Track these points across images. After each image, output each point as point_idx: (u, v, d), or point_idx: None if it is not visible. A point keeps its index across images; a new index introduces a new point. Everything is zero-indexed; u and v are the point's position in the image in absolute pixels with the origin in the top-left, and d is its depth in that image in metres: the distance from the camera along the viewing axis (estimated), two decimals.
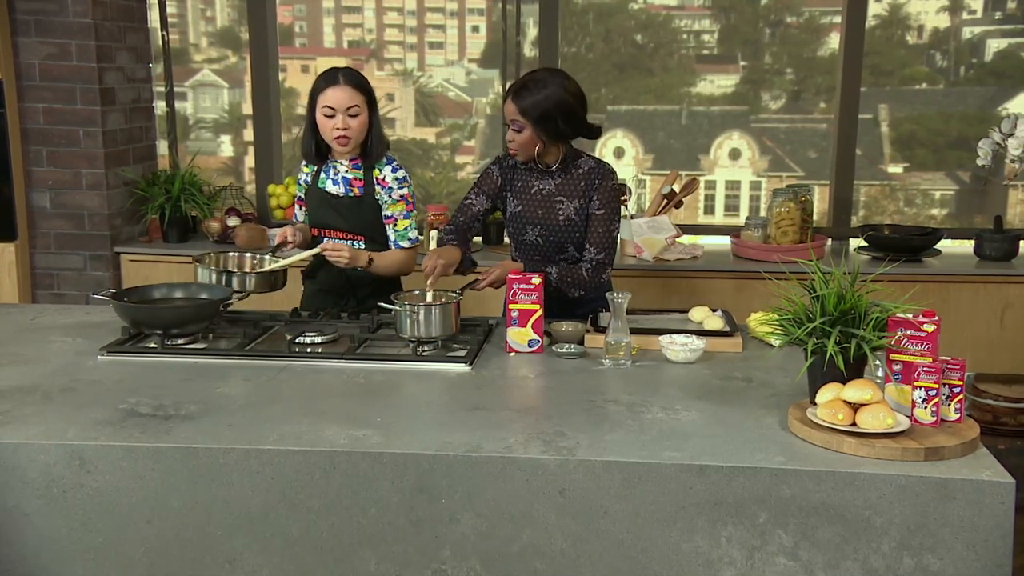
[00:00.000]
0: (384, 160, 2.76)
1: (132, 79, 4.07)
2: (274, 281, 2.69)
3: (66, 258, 4.00)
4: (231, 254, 2.79)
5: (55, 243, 3.99)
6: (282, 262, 2.70)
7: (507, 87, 2.62)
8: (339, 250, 2.64)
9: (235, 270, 2.68)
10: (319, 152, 2.77)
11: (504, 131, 2.73)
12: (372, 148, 2.72)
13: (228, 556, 1.82)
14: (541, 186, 2.68)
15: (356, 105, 2.65)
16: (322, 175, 2.80)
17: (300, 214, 2.91)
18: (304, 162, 2.86)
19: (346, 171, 2.76)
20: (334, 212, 2.76)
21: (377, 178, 2.75)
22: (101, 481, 1.81)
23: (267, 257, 2.75)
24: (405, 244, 2.77)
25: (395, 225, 2.77)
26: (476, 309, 2.99)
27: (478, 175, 2.82)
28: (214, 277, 2.60)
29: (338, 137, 2.66)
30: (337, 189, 2.77)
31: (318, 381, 2.19)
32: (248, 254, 2.80)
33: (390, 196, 2.75)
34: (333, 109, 2.64)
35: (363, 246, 2.75)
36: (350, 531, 1.79)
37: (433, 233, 3.86)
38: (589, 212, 2.65)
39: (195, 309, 2.47)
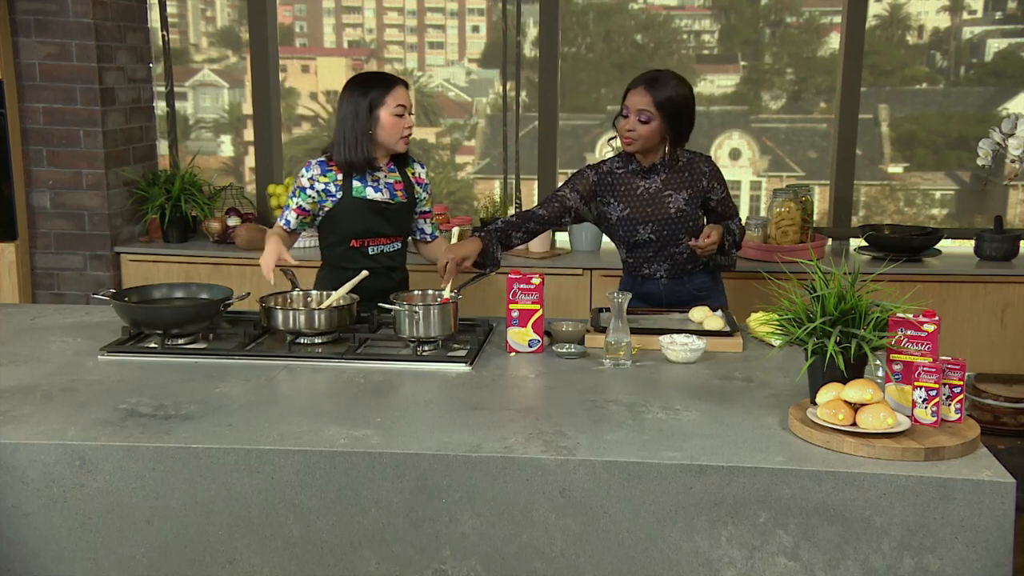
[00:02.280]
0: (410, 159, 2.86)
1: (132, 79, 4.07)
2: (348, 314, 2.50)
3: (66, 258, 4.00)
4: (293, 293, 2.58)
5: (55, 243, 3.99)
6: (339, 293, 2.54)
7: (637, 79, 2.68)
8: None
9: (301, 308, 2.50)
10: (365, 162, 2.70)
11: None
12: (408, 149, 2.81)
13: (228, 556, 1.81)
14: (647, 185, 2.74)
15: (411, 104, 2.75)
16: (356, 184, 2.72)
17: (295, 222, 2.75)
18: (312, 172, 2.72)
19: (385, 177, 2.78)
20: (383, 219, 2.76)
21: (413, 176, 2.85)
22: (101, 481, 1.81)
23: (317, 293, 2.61)
24: (437, 234, 2.97)
25: (432, 218, 2.94)
26: (478, 310, 2.99)
27: (571, 175, 2.83)
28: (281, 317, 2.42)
29: (405, 136, 2.73)
30: (382, 196, 2.76)
31: (318, 381, 2.19)
32: (303, 293, 2.60)
33: (426, 192, 2.88)
34: (404, 107, 2.70)
35: (400, 247, 2.85)
36: (350, 531, 1.79)
37: (445, 236, 3.82)
38: (711, 199, 2.76)
39: (195, 309, 2.47)
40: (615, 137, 2.76)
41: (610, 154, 2.86)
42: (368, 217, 2.73)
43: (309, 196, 2.73)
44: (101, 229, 3.96)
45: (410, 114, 2.73)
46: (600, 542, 1.74)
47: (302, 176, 2.74)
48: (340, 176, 2.73)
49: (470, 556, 1.77)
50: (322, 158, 2.76)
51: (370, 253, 2.77)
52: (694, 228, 2.73)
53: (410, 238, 2.94)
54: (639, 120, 2.64)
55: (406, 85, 2.75)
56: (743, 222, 3.94)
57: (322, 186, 2.72)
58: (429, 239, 2.94)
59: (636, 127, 2.65)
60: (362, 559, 1.80)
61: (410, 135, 2.74)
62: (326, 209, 2.74)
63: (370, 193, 2.74)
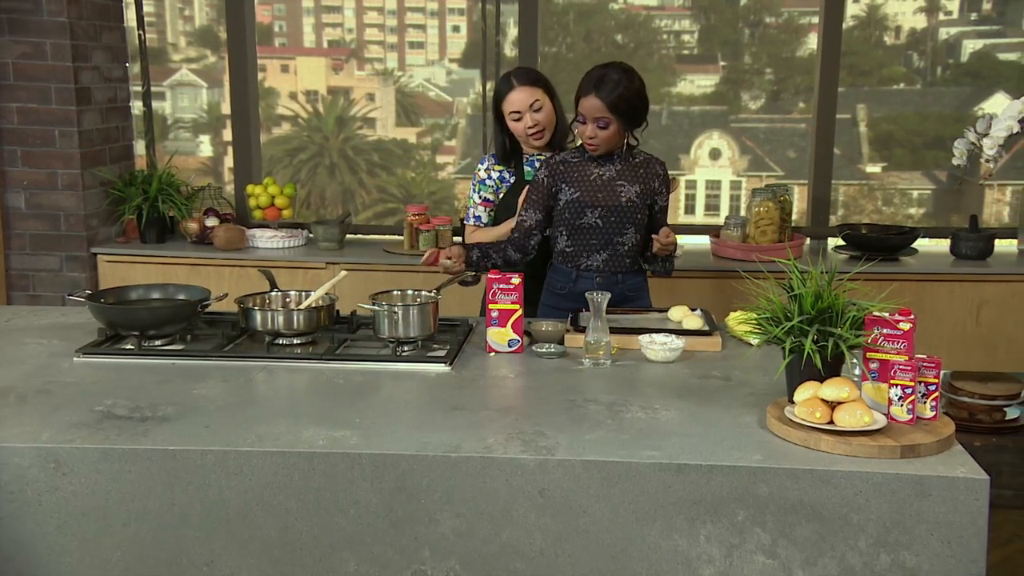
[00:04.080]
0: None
1: (108, 78, 4.04)
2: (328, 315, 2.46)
3: (41, 259, 3.96)
4: (271, 294, 2.55)
5: (30, 244, 3.95)
6: (318, 293, 2.51)
7: (584, 84, 2.64)
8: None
9: (280, 308, 2.50)
10: (514, 151, 2.91)
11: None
12: (557, 134, 2.88)
13: (206, 558, 1.80)
14: (601, 172, 2.74)
15: (536, 100, 2.82)
16: (527, 168, 2.91)
17: (485, 215, 2.96)
18: (486, 164, 2.96)
19: None
20: None
21: None
22: (76, 484, 1.79)
23: (296, 294, 2.59)
24: None
25: None
26: (456, 310, 2.98)
27: (527, 189, 2.81)
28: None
29: (532, 134, 2.83)
30: None
31: (297, 382, 2.18)
32: (282, 293, 2.58)
33: None
34: (519, 112, 2.82)
35: None
36: (329, 532, 1.78)
37: (424, 236, 3.83)
38: (656, 203, 2.78)
39: (172, 310, 2.45)
40: (573, 140, 2.80)
41: None
42: None
43: (489, 186, 2.95)
44: (77, 230, 3.93)
45: (535, 111, 2.82)
46: (579, 541, 1.74)
47: (478, 170, 2.98)
48: (512, 163, 2.93)
49: (450, 556, 1.77)
50: (493, 151, 2.97)
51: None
52: (639, 223, 2.74)
53: None
54: (598, 126, 2.63)
55: (535, 83, 2.83)
56: (723, 222, 3.97)
57: (497, 174, 2.94)
58: None
59: (596, 133, 2.64)
60: (341, 560, 1.79)
61: (537, 131, 2.83)
62: (502, 195, 2.93)
63: None
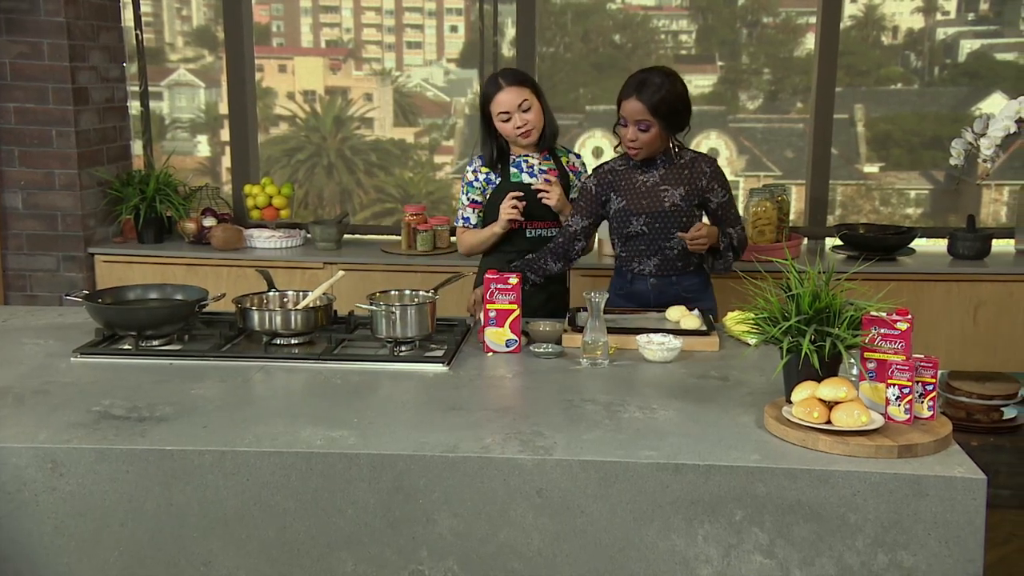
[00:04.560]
0: (564, 148, 3.00)
1: (106, 78, 4.03)
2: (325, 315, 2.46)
3: (39, 259, 3.96)
4: (269, 294, 2.56)
5: (27, 244, 3.95)
6: (316, 293, 2.50)
7: (626, 88, 2.68)
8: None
9: (277, 308, 2.50)
10: (500, 154, 2.92)
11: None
12: (546, 134, 2.89)
13: (203, 559, 1.80)
14: (644, 179, 2.77)
15: (525, 99, 2.82)
16: (513, 170, 2.93)
17: (474, 217, 2.98)
18: (474, 166, 2.95)
19: (539, 163, 2.92)
20: (538, 202, 2.85)
21: (568, 164, 2.98)
22: (74, 484, 1.79)
23: (293, 294, 2.59)
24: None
25: None
26: (454, 310, 2.98)
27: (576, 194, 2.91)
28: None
29: (521, 133, 2.84)
30: (537, 180, 2.89)
31: (294, 382, 2.18)
32: (280, 293, 2.57)
33: (579, 179, 2.96)
34: (508, 112, 2.82)
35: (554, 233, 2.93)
36: (327, 532, 1.78)
37: (422, 236, 3.85)
38: (711, 200, 2.77)
39: (169, 310, 2.45)
40: (620, 145, 2.79)
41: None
42: (528, 201, 2.84)
43: (477, 188, 2.95)
44: (74, 230, 3.92)
45: (524, 111, 2.82)
46: (577, 541, 1.74)
47: (467, 173, 2.98)
48: (499, 165, 2.92)
49: (447, 556, 1.77)
50: (481, 153, 2.97)
51: (528, 235, 2.92)
52: (686, 224, 2.74)
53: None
54: (639, 129, 2.67)
55: (523, 83, 2.83)
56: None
57: (484, 176, 2.94)
58: None
59: (638, 136, 2.68)
60: (339, 560, 1.79)
61: (526, 131, 2.83)
62: (488, 196, 2.94)
63: (525, 178, 2.90)
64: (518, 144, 2.90)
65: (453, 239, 3.75)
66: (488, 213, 2.96)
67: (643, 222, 2.75)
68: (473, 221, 2.98)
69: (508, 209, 2.82)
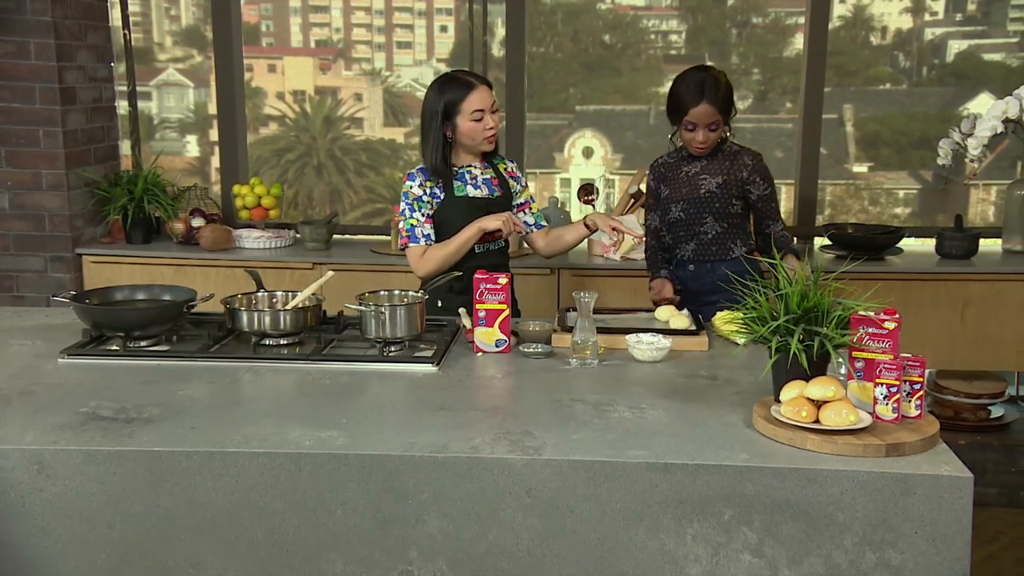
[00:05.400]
0: (500, 156, 2.90)
1: (93, 78, 4.01)
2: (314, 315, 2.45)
3: (26, 260, 3.94)
4: (258, 294, 2.56)
5: (15, 244, 3.93)
6: (304, 294, 2.49)
7: (687, 94, 2.81)
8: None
9: (266, 309, 2.50)
10: (446, 164, 2.76)
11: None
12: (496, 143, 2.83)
13: (192, 560, 1.79)
14: (688, 169, 2.93)
15: (494, 100, 2.76)
16: (457, 183, 2.78)
17: (433, 233, 2.77)
18: (418, 180, 2.76)
19: (481, 173, 2.82)
20: (485, 215, 2.73)
21: (506, 171, 2.89)
22: (61, 486, 1.78)
23: (282, 294, 2.58)
24: (544, 223, 2.96)
25: (531, 208, 2.94)
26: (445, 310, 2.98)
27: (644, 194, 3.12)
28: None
29: (490, 136, 2.75)
30: (482, 192, 2.80)
31: (283, 382, 2.18)
32: (268, 294, 2.56)
33: (520, 184, 2.91)
34: (482, 111, 2.71)
35: (504, 245, 2.88)
36: (316, 533, 1.78)
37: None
38: (751, 192, 2.91)
39: (157, 311, 2.44)
40: (675, 134, 2.94)
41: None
42: (472, 214, 2.74)
43: (427, 202, 2.76)
44: (62, 230, 3.90)
45: (494, 112, 2.73)
46: (566, 541, 1.75)
47: (411, 188, 2.76)
48: (440, 180, 2.77)
49: (437, 557, 1.77)
50: (421, 165, 2.79)
51: (477, 251, 2.78)
52: (719, 212, 2.89)
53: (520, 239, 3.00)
54: (709, 130, 2.82)
55: (489, 85, 2.76)
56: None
57: (429, 189, 2.77)
58: (534, 229, 2.93)
59: (708, 137, 2.83)
60: (328, 561, 1.78)
61: (494, 134, 2.75)
62: (434, 211, 2.77)
63: (471, 191, 2.80)
64: (479, 148, 2.76)
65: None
66: (438, 229, 2.77)
67: (681, 208, 2.92)
68: (434, 237, 2.77)
69: (512, 224, 2.69)
